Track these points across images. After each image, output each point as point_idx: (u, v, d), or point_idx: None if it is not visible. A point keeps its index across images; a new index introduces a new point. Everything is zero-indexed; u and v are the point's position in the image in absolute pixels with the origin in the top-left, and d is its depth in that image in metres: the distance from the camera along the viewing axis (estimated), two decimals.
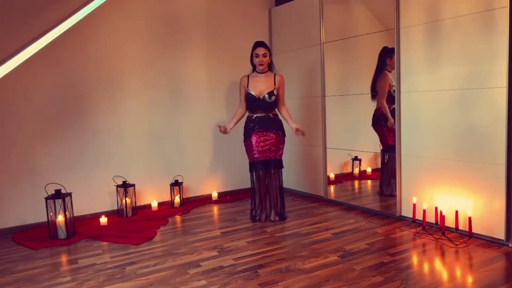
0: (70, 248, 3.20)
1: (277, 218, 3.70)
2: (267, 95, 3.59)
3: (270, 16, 4.91)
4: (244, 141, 3.73)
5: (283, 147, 3.73)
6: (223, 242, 3.20)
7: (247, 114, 3.75)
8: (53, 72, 3.77)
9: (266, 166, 3.67)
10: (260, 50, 3.59)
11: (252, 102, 3.65)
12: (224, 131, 3.69)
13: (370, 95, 3.91)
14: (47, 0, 3.66)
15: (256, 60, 3.61)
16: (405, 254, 2.84)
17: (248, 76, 3.70)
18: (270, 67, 3.70)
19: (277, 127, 3.67)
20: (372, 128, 3.96)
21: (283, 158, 3.75)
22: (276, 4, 4.90)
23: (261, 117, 3.64)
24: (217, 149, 4.66)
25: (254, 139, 3.64)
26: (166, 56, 4.31)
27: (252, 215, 3.75)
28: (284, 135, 3.73)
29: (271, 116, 3.67)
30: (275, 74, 3.68)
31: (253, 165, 3.70)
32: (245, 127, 3.73)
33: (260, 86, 3.63)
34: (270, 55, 3.67)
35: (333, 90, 4.24)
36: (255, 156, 3.65)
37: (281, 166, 3.73)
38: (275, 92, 3.62)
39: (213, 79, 4.58)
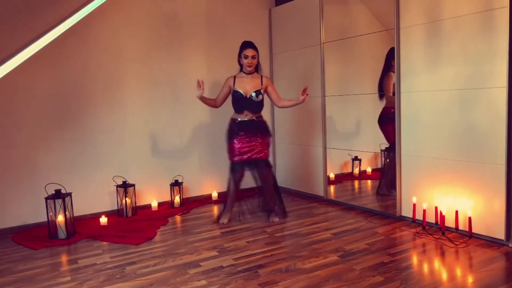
0: (70, 248, 3.20)
1: (276, 219, 3.70)
2: (254, 93, 3.56)
3: (270, 16, 4.91)
4: (227, 141, 3.69)
5: (269, 147, 3.70)
6: (223, 242, 3.20)
7: (232, 115, 3.70)
8: (53, 72, 3.78)
9: (251, 166, 3.64)
10: (250, 52, 3.55)
11: (238, 101, 3.62)
12: (200, 86, 3.57)
13: (377, 95, 3.86)
14: (47, 0, 3.66)
15: (245, 61, 3.57)
16: (405, 254, 2.84)
17: (235, 76, 3.67)
18: (257, 68, 3.66)
19: (262, 130, 3.63)
20: (372, 128, 3.96)
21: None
22: (276, 4, 4.90)
23: (245, 122, 3.59)
24: (217, 149, 4.65)
25: (236, 142, 3.60)
26: (166, 56, 4.31)
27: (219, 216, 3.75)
28: (269, 135, 3.69)
29: (255, 119, 3.61)
30: (261, 76, 3.66)
31: (232, 166, 3.67)
32: (229, 129, 3.68)
33: (246, 86, 3.60)
34: (258, 56, 3.64)
35: (333, 90, 4.24)
36: (235, 158, 3.61)
37: (270, 165, 3.72)
38: (262, 91, 3.59)
39: (213, 79, 4.57)
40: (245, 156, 3.59)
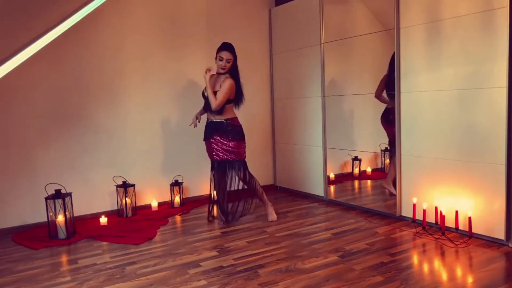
0: (70, 248, 3.20)
1: (274, 218, 3.70)
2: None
3: (270, 16, 4.91)
4: (204, 140, 3.69)
5: (243, 149, 3.62)
6: (223, 242, 3.20)
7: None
8: (54, 72, 3.78)
9: (225, 167, 3.61)
10: (225, 55, 3.47)
11: (204, 101, 3.65)
12: (195, 122, 3.76)
13: (386, 94, 3.83)
14: (47, 0, 3.66)
15: (219, 63, 3.50)
16: (405, 254, 2.84)
17: (212, 75, 3.62)
18: (234, 73, 3.56)
19: (232, 133, 3.53)
20: (372, 128, 3.96)
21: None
22: (276, 4, 4.90)
23: (215, 123, 3.55)
24: None
25: (208, 143, 3.61)
26: (166, 56, 4.31)
27: (210, 215, 3.74)
28: (240, 139, 3.58)
29: (224, 122, 3.52)
30: (226, 78, 3.51)
31: (212, 165, 3.69)
32: (204, 128, 3.68)
33: (211, 86, 3.54)
34: (235, 60, 3.54)
35: (333, 90, 4.25)
36: (213, 158, 3.61)
37: (245, 166, 3.63)
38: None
39: None
40: (219, 156, 3.57)
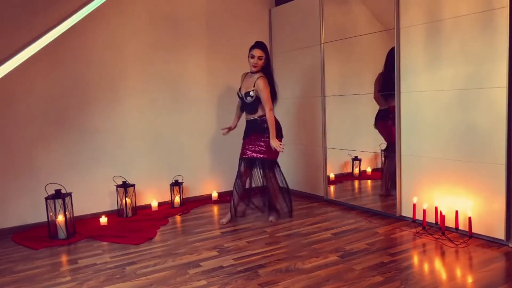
0: (70, 248, 3.20)
1: (274, 218, 3.70)
2: (244, 95, 3.56)
3: (270, 16, 4.91)
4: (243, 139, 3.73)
5: (271, 148, 3.57)
6: (223, 242, 3.21)
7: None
8: (54, 72, 3.78)
9: (254, 165, 3.65)
10: (257, 52, 3.50)
11: (241, 100, 3.69)
12: (229, 129, 3.80)
13: (380, 95, 3.84)
14: (47, 0, 3.66)
15: (250, 61, 3.53)
16: (405, 254, 2.84)
17: (246, 74, 3.68)
18: (266, 70, 3.59)
19: (264, 130, 3.55)
20: (372, 128, 3.96)
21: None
22: (276, 4, 4.90)
23: (250, 122, 3.61)
24: (217, 149, 4.66)
25: (246, 140, 3.63)
26: (166, 56, 4.31)
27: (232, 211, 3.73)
28: (278, 137, 3.60)
29: (258, 120, 3.56)
30: (258, 77, 3.51)
31: (239, 161, 3.70)
32: (245, 127, 3.72)
33: (245, 85, 3.59)
34: (267, 58, 3.57)
35: (333, 90, 4.24)
36: (243, 154, 3.64)
37: (274, 167, 3.67)
38: (251, 94, 3.49)
39: (213, 79, 4.58)
40: (247, 154, 3.60)
